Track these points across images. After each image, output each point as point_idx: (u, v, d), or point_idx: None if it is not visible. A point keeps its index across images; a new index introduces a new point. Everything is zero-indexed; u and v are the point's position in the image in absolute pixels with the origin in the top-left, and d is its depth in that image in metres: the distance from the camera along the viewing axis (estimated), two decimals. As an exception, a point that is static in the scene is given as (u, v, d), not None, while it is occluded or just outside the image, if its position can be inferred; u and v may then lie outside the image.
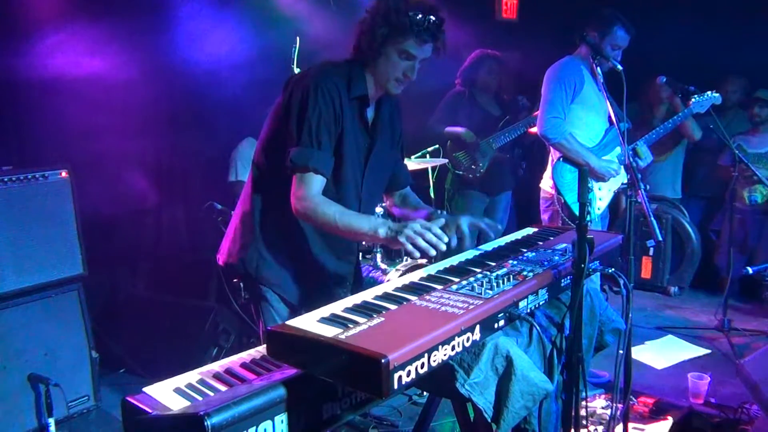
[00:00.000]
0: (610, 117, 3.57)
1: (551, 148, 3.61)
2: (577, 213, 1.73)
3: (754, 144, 4.89)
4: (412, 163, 4.16)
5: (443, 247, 1.86)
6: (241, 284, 2.31)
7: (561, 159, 3.55)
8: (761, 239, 4.91)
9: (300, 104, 2.01)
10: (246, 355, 1.60)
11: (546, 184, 3.71)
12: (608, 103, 3.26)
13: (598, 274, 2.14)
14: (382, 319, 1.45)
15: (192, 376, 1.49)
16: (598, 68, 3.30)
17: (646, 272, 5.34)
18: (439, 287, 1.68)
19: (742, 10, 4.94)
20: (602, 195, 3.62)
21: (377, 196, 2.41)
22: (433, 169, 4.47)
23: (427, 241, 1.84)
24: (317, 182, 2.00)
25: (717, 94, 3.88)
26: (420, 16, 1.98)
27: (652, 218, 2.87)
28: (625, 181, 3.48)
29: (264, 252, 2.20)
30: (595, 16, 3.47)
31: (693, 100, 3.89)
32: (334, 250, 2.26)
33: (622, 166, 3.56)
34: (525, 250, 2.06)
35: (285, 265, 2.21)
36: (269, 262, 2.20)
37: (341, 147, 2.09)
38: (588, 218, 3.33)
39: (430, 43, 2.04)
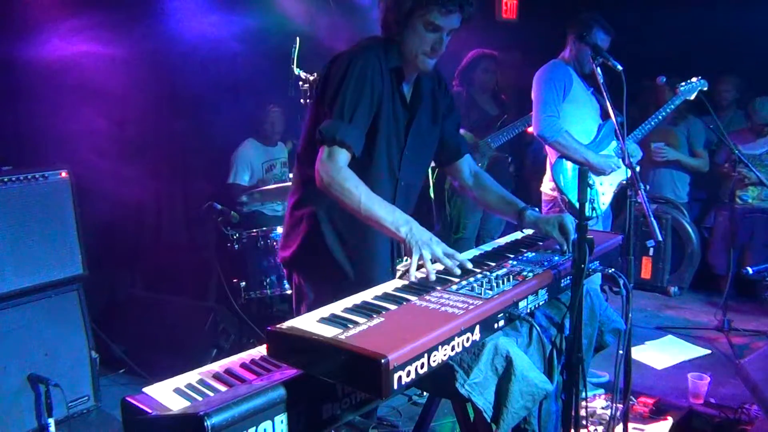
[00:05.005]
0: (602, 113, 3.59)
1: (548, 150, 3.61)
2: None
3: (749, 145, 4.90)
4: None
5: (458, 273, 1.78)
6: (293, 274, 2.22)
7: (559, 158, 3.55)
8: (753, 239, 4.93)
9: (337, 79, 1.96)
10: (246, 356, 1.60)
11: (546, 186, 3.70)
12: (607, 100, 3.25)
13: (599, 274, 2.14)
14: (382, 319, 1.45)
15: (192, 377, 1.49)
16: (599, 69, 3.30)
17: (646, 272, 5.34)
18: (439, 287, 1.68)
19: (738, 8, 4.96)
20: (605, 190, 3.62)
21: (414, 185, 2.27)
22: (433, 170, 4.46)
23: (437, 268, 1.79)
24: (344, 156, 1.92)
25: (704, 80, 3.85)
26: None
27: (652, 218, 2.87)
28: (626, 178, 3.49)
29: (306, 242, 2.13)
30: (574, 21, 3.52)
31: (680, 88, 3.87)
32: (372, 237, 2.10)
33: (620, 160, 3.57)
34: (525, 251, 2.06)
35: (329, 254, 2.12)
36: (311, 252, 2.12)
37: (378, 121, 2.02)
38: (594, 214, 3.31)
39: (456, 13, 1.97)
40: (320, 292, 2.13)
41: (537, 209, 2.23)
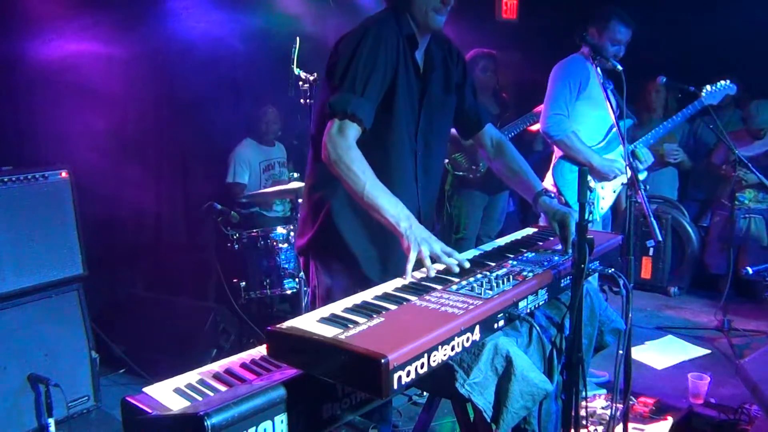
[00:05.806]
0: (619, 113, 3.55)
1: (555, 147, 3.60)
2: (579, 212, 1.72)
3: (745, 148, 4.90)
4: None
5: (456, 270, 1.76)
6: (310, 264, 2.16)
7: (562, 158, 3.54)
8: (748, 239, 4.94)
9: (349, 52, 1.91)
10: (246, 356, 1.60)
11: (547, 183, 3.70)
12: (608, 102, 3.25)
13: (595, 274, 2.13)
14: (382, 319, 1.45)
15: (192, 376, 1.49)
16: (599, 68, 3.30)
17: (646, 272, 5.34)
18: (439, 287, 1.68)
19: (737, 9, 4.96)
20: (605, 194, 3.60)
21: (433, 155, 2.19)
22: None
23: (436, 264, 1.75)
24: (354, 131, 1.87)
25: (732, 85, 3.57)
26: None
27: (652, 218, 2.87)
28: (626, 180, 3.48)
29: (323, 227, 2.07)
30: (594, 13, 3.48)
31: (704, 91, 3.58)
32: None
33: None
34: (525, 251, 2.06)
35: (345, 239, 2.07)
36: (328, 237, 2.07)
37: (395, 93, 1.98)
38: (590, 218, 3.30)
39: None
40: (338, 279, 2.08)
41: (554, 197, 2.20)
